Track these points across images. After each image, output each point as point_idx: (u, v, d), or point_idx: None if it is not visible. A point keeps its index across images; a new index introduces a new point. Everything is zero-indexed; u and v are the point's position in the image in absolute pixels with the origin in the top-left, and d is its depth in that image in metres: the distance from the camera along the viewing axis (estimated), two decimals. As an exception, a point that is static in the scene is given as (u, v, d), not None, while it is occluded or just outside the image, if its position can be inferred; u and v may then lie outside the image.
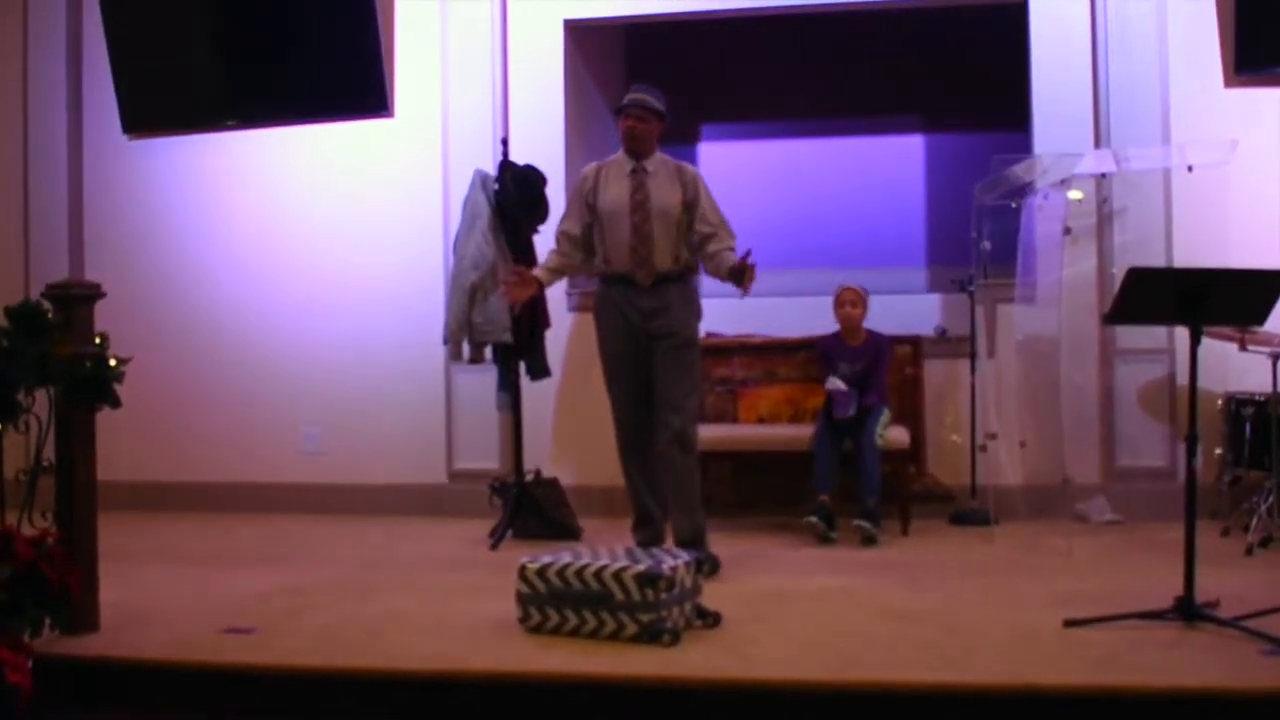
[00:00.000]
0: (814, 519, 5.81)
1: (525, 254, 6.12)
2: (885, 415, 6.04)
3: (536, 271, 5.36)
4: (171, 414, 7.12)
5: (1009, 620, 4.22)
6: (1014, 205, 6.23)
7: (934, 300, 6.71)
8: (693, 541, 5.01)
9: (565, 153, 6.81)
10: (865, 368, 6.11)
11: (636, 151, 5.20)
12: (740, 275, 4.95)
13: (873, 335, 6.21)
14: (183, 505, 7.05)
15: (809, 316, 6.40)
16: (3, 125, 7.40)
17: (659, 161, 5.23)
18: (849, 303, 6.15)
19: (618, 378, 5.22)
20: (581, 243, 5.28)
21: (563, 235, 5.33)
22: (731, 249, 5.11)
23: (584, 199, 5.25)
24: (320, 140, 7.05)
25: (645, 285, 5.13)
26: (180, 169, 7.29)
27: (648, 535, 5.20)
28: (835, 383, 6.00)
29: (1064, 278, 6.10)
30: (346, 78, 6.70)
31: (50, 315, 4.09)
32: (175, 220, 7.30)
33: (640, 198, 5.13)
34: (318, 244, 7.10)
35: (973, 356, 6.36)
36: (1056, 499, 6.13)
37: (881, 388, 6.14)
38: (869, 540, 5.75)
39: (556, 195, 6.30)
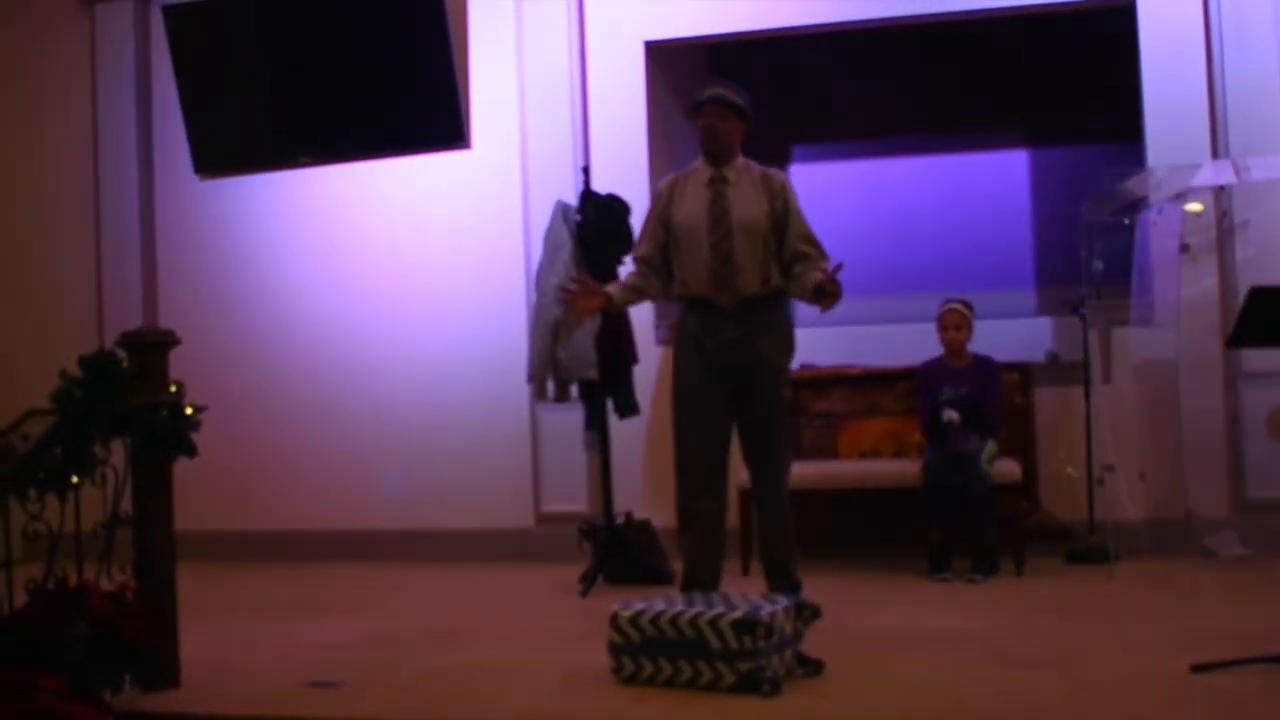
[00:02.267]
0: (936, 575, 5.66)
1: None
2: (991, 446, 5.79)
3: (609, 287, 4.90)
4: (250, 461, 7.08)
5: (1131, 665, 4.01)
6: (1126, 221, 6.05)
7: (1044, 324, 6.49)
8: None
9: (649, 180, 6.62)
10: (970, 392, 5.86)
11: (715, 155, 4.75)
12: (822, 293, 4.52)
13: (978, 358, 5.98)
14: (263, 555, 7.01)
15: (910, 344, 6.19)
16: (73, 170, 7.47)
17: (741, 168, 4.77)
18: (953, 326, 5.95)
19: (686, 423, 4.66)
20: (658, 267, 4.83)
21: (639, 260, 4.89)
22: (822, 269, 4.62)
23: (659, 217, 4.82)
24: (396, 175, 6.99)
25: (728, 310, 4.65)
26: (252, 209, 7.29)
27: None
28: (950, 414, 5.77)
29: (1182, 297, 5.92)
30: (422, 110, 6.61)
31: (124, 364, 4.04)
32: (249, 262, 7.30)
33: (719, 211, 4.67)
34: (395, 282, 7.05)
35: (1086, 383, 6.11)
36: (1180, 533, 5.94)
37: (994, 415, 5.89)
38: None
39: (641, 224, 6.16)
